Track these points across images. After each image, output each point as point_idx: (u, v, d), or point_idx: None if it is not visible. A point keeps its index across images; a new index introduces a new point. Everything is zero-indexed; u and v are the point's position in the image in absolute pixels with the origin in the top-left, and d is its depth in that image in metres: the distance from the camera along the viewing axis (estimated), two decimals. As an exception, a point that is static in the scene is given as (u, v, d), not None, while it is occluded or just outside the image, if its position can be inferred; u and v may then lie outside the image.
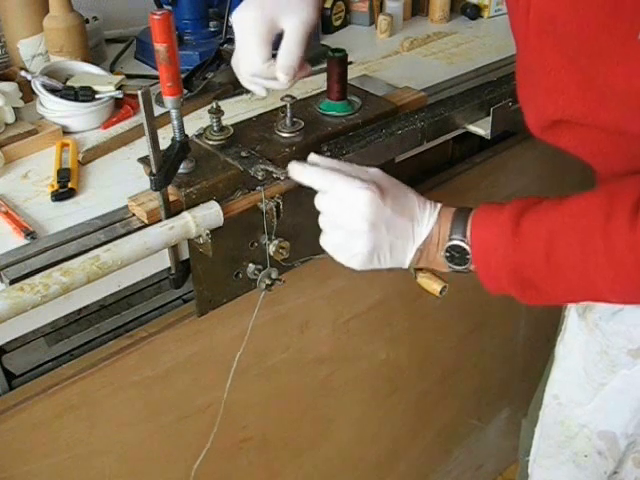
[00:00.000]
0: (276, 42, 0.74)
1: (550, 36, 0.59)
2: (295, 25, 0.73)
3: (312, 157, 0.74)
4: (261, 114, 0.91)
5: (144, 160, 0.80)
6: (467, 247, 0.67)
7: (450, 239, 0.68)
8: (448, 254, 0.69)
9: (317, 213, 0.70)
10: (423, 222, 0.69)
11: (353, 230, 0.68)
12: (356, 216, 0.67)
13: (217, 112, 0.82)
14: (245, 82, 0.79)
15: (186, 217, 0.73)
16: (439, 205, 0.70)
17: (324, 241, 0.72)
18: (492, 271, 0.67)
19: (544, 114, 0.68)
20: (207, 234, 0.75)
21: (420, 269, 0.92)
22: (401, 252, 0.70)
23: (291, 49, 0.73)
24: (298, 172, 0.72)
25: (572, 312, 0.87)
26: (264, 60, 0.74)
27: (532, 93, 0.70)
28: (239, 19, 0.75)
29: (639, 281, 0.59)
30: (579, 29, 0.55)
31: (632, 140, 0.62)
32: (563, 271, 0.62)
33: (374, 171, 0.70)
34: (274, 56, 0.75)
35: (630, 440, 0.85)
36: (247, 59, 0.75)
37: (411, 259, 0.70)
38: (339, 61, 0.88)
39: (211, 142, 0.82)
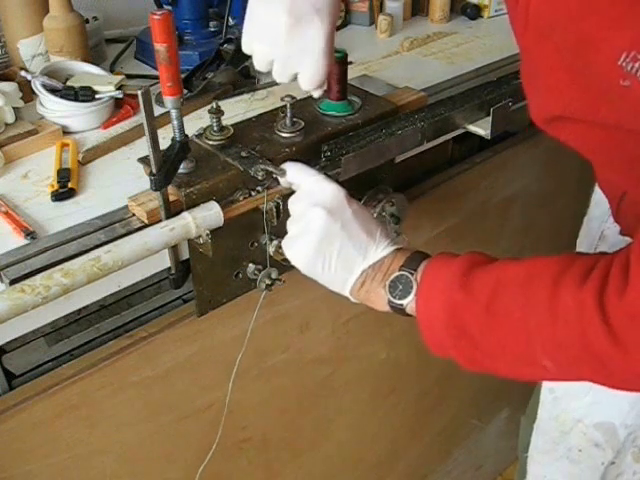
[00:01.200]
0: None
1: (549, 40, 0.59)
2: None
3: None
4: (261, 114, 0.91)
5: (144, 160, 0.80)
6: (413, 280, 0.66)
7: (400, 270, 0.68)
8: (392, 284, 0.68)
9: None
10: (380, 246, 0.70)
11: (310, 219, 0.69)
12: (317, 205, 0.69)
13: (217, 112, 0.81)
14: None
15: (186, 218, 0.73)
16: (400, 245, 0.71)
17: (284, 240, 0.73)
18: (431, 309, 0.65)
19: (545, 109, 0.67)
20: (207, 234, 0.75)
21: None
22: (349, 263, 0.69)
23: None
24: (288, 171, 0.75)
25: None
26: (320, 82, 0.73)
27: (534, 88, 0.69)
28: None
29: (577, 344, 0.56)
30: (577, 39, 0.55)
31: (633, 137, 0.62)
32: (501, 320, 0.60)
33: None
34: None
35: (629, 430, 0.85)
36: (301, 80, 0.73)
37: (354, 280, 0.69)
38: (339, 61, 0.88)
39: (211, 142, 0.82)
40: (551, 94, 0.64)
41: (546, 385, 0.94)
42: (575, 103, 0.61)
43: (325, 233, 0.68)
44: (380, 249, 0.70)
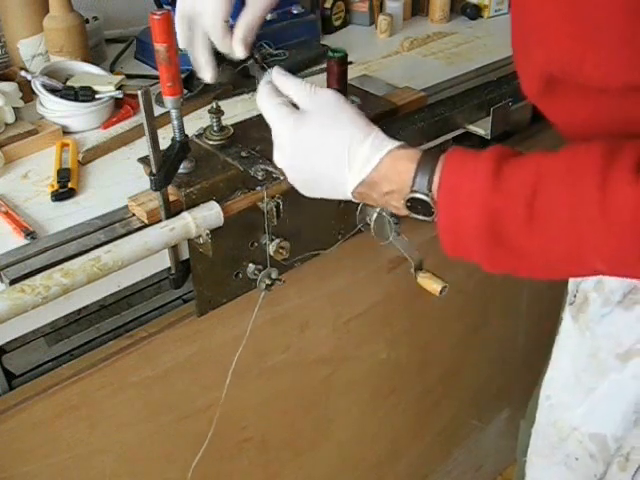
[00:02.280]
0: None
1: None
2: None
3: (274, 71, 0.69)
4: (261, 114, 0.91)
5: (144, 160, 0.80)
6: (430, 202, 0.58)
7: (412, 191, 0.59)
8: (409, 204, 0.60)
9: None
10: (353, 169, 0.60)
11: (279, 163, 0.67)
12: (276, 148, 0.66)
13: (217, 112, 0.82)
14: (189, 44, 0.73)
15: (186, 218, 0.73)
16: (388, 147, 0.60)
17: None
18: (459, 219, 0.57)
19: (536, 68, 0.65)
20: (207, 234, 0.75)
21: (420, 269, 0.93)
22: (333, 192, 0.64)
23: (251, 23, 0.71)
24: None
25: (567, 314, 0.87)
26: (223, 20, 0.70)
27: (526, 50, 0.67)
28: None
29: (634, 244, 0.50)
30: None
31: (616, 105, 0.59)
32: (546, 220, 0.53)
33: (324, 95, 0.65)
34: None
35: (619, 444, 0.84)
36: (205, 16, 0.70)
37: (351, 198, 0.63)
38: (339, 61, 0.88)
39: (211, 142, 0.82)
40: (541, 44, 0.62)
41: (543, 391, 0.93)
42: (562, 49, 0.59)
43: (297, 180, 0.66)
44: (355, 172, 0.61)
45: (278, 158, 0.67)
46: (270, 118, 0.67)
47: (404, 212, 0.62)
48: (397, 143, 0.61)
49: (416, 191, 0.59)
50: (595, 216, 0.51)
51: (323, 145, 0.62)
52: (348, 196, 0.63)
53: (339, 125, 0.62)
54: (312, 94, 0.65)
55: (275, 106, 0.66)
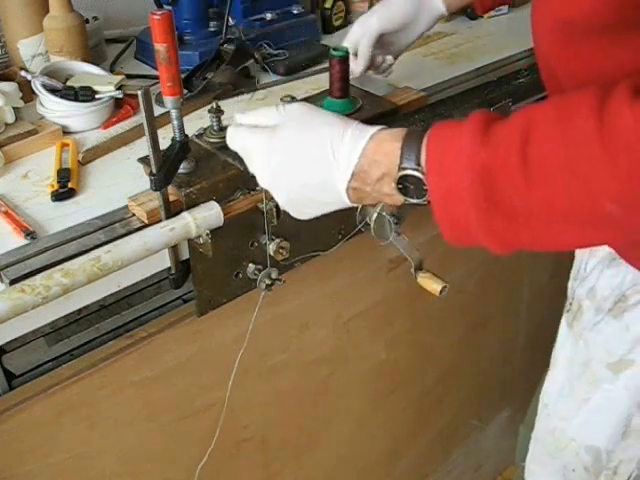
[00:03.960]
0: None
1: None
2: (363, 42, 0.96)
3: (236, 113, 0.70)
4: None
5: (144, 160, 0.80)
6: (421, 176, 0.55)
7: (400, 169, 0.56)
8: (401, 186, 0.57)
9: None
10: (341, 164, 0.58)
11: (262, 181, 0.65)
12: (256, 168, 0.65)
13: (217, 112, 0.82)
14: None
15: (186, 218, 0.73)
16: (370, 132, 0.58)
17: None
18: (449, 185, 0.53)
19: (550, 17, 0.65)
20: (207, 234, 0.75)
21: (420, 269, 0.93)
22: (326, 201, 0.61)
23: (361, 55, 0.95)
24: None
25: (563, 321, 0.87)
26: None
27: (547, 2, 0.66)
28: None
29: None
30: None
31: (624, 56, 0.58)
32: (543, 168, 0.49)
33: (293, 106, 0.64)
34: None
35: (610, 457, 0.84)
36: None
37: (346, 200, 0.60)
38: (341, 59, 0.88)
39: (211, 142, 0.82)
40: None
41: (542, 400, 0.93)
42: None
43: (283, 200, 0.64)
44: (342, 169, 0.58)
45: (260, 177, 0.65)
46: (243, 143, 0.66)
47: (398, 199, 0.59)
48: (378, 127, 0.59)
49: (405, 168, 0.56)
50: (595, 151, 0.47)
51: (303, 150, 0.60)
52: (343, 197, 0.60)
53: (316, 128, 0.61)
54: (281, 110, 0.64)
55: (245, 131, 0.65)
